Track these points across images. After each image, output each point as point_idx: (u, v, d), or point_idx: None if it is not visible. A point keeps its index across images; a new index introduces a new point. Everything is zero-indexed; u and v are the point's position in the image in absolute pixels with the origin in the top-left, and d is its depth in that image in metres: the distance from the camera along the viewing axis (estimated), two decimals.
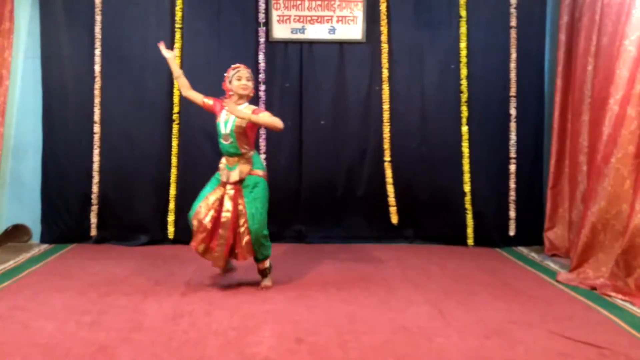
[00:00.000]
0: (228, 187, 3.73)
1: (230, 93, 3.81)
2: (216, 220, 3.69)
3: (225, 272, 4.01)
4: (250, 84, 3.81)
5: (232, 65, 3.83)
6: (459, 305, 3.45)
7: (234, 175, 3.72)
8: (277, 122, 3.67)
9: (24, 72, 5.01)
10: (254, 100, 5.05)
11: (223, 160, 3.82)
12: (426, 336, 2.95)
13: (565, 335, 2.95)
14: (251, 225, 3.65)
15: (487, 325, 3.10)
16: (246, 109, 3.75)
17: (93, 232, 5.04)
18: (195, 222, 3.71)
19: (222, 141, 3.78)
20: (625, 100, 3.84)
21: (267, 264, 3.83)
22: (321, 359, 2.67)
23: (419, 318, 3.22)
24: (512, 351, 2.77)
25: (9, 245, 4.91)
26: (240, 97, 3.80)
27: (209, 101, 3.90)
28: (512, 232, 5.16)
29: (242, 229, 3.67)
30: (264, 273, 3.84)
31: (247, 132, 3.74)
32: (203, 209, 3.69)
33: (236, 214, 3.68)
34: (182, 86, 3.99)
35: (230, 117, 3.74)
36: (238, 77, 3.77)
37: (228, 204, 3.68)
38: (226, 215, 3.66)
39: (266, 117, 3.70)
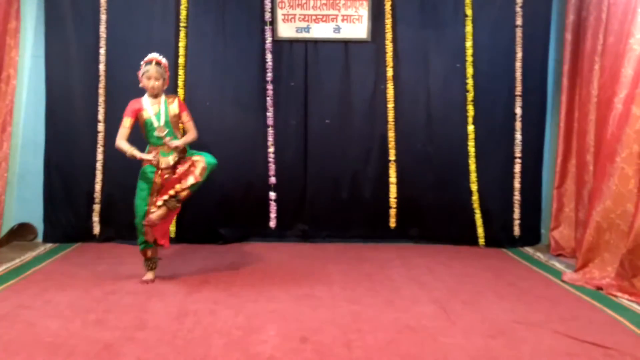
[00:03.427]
0: (165, 174, 3.79)
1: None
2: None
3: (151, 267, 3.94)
4: (159, 84, 3.81)
5: (146, 58, 3.83)
6: (464, 305, 3.45)
7: (170, 160, 3.79)
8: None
9: (31, 71, 5.01)
10: (261, 100, 5.10)
11: (152, 151, 3.83)
12: (431, 336, 2.94)
13: (570, 335, 2.95)
14: None
15: (493, 325, 3.10)
16: (171, 101, 3.88)
17: (97, 230, 5.04)
18: (148, 228, 3.72)
19: (157, 134, 3.79)
20: (630, 99, 3.82)
21: None
22: (326, 358, 2.67)
23: (424, 317, 3.22)
24: (518, 351, 2.76)
25: (15, 244, 4.92)
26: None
27: (127, 121, 3.82)
28: (517, 232, 5.14)
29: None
30: None
31: (181, 119, 3.92)
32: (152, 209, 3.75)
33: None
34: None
35: (160, 109, 3.81)
36: (148, 77, 3.80)
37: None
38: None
39: (189, 121, 3.95)
